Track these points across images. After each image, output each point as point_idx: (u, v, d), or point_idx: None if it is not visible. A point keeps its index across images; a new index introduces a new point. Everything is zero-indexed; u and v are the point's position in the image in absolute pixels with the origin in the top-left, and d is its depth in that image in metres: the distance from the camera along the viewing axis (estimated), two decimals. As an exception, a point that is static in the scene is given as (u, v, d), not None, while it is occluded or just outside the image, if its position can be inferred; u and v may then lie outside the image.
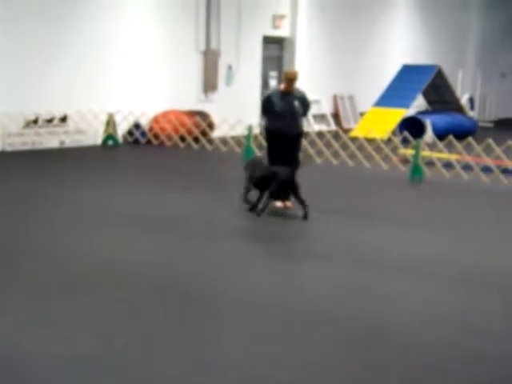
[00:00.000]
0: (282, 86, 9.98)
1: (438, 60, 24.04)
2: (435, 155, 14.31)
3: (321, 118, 22.70)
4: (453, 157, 14.03)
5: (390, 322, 5.79)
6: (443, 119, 20.36)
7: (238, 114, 17.52)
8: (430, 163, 13.83)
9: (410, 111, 21.22)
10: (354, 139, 15.81)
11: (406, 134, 15.22)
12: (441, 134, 17.82)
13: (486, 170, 13.31)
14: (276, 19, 21.02)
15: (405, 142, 15.58)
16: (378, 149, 14.74)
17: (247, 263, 7.42)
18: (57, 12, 15.77)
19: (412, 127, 19.11)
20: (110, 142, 16.62)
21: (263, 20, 20.76)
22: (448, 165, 13.76)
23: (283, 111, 9.83)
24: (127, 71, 17.42)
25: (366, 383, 4.74)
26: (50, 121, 15.77)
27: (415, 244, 8.40)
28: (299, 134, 10.16)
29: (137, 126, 17.08)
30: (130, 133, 17.15)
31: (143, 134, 17.06)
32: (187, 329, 5.51)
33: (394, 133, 18.80)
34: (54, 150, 15.57)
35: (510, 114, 30.55)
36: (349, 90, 23.95)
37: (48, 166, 13.66)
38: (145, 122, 17.24)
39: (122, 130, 16.97)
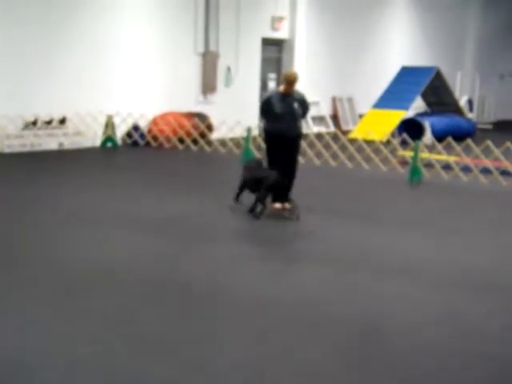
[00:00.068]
0: (282, 88, 9.96)
1: (436, 62, 24.08)
2: (434, 157, 14.32)
3: (320, 119, 22.71)
4: (452, 158, 14.03)
5: (390, 323, 5.80)
6: (442, 121, 20.37)
7: (236, 115, 17.52)
8: (429, 165, 13.84)
9: (409, 113, 21.23)
10: (352, 141, 15.81)
11: (405, 135, 15.22)
12: (440, 136, 17.83)
13: (485, 171, 13.32)
14: (275, 21, 21.04)
15: (404, 143, 15.58)
16: (376, 150, 14.74)
17: (247, 264, 7.42)
18: (56, 15, 15.79)
19: (411, 129, 19.13)
20: (109, 144, 16.62)
21: (262, 22, 20.77)
22: (447, 166, 13.76)
23: (283, 113, 9.82)
24: (126, 73, 17.43)
25: (365, 384, 4.76)
26: (48, 123, 15.77)
27: (415, 245, 8.40)
28: (298, 136, 10.16)
29: (136, 127, 17.09)
30: (128, 135, 17.15)
31: (142, 135, 17.06)
32: (187, 330, 5.51)
33: (392, 134, 18.82)
34: (53, 152, 15.56)
35: (508, 115, 30.57)
36: (348, 91, 23.96)
37: (47, 167, 13.65)
38: (144, 124, 17.25)
39: (120, 131, 16.98)
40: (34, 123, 15.51)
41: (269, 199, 9.91)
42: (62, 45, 15.97)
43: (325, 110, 23.06)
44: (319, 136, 16.42)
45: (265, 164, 10.05)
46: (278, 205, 10.04)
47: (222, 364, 4.94)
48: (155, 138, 16.95)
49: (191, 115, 17.52)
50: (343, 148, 14.92)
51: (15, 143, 15.22)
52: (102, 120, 16.42)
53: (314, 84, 21.06)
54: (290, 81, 9.80)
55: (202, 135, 16.85)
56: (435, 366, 5.00)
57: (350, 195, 11.73)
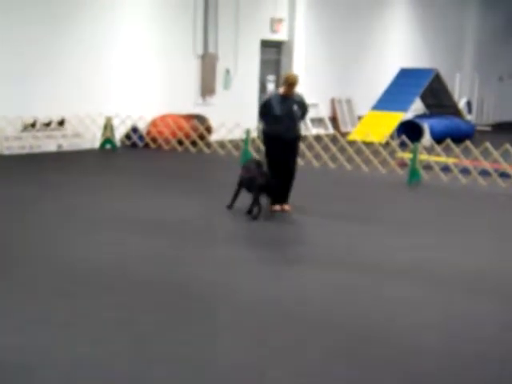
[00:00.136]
0: (282, 90, 9.97)
1: (435, 64, 24.08)
2: (433, 159, 14.33)
3: (319, 121, 22.71)
4: (450, 160, 14.04)
5: (390, 324, 5.80)
6: (441, 123, 20.38)
7: (235, 117, 17.50)
8: (428, 167, 13.84)
9: (408, 115, 21.24)
10: (351, 143, 15.82)
11: (404, 137, 15.23)
12: (438, 138, 17.84)
13: (484, 173, 13.32)
14: (274, 23, 21.04)
15: (402, 145, 15.58)
16: (375, 152, 14.75)
17: (246, 266, 7.42)
18: (55, 17, 15.78)
19: (410, 131, 19.13)
20: (108, 146, 16.61)
21: (261, 24, 20.77)
22: (446, 168, 13.77)
23: (282, 115, 9.83)
24: (125, 75, 17.42)
25: (365, 384, 4.76)
26: (47, 124, 15.76)
27: (415, 247, 8.40)
28: (297, 138, 10.17)
29: (134, 129, 17.08)
30: (127, 136, 17.14)
31: (141, 137, 17.05)
32: (187, 330, 5.51)
33: (391, 136, 18.82)
34: (52, 154, 15.56)
35: (507, 117, 30.57)
36: (347, 93, 23.96)
37: (46, 169, 13.65)
38: (142, 126, 17.24)
39: (119, 133, 16.97)
40: (33, 125, 15.50)
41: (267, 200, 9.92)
42: (61, 47, 15.96)
43: (324, 111, 23.06)
44: (318, 138, 16.42)
45: (263, 164, 10.04)
46: (277, 207, 10.05)
47: (221, 364, 4.95)
48: (154, 140, 16.95)
49: (190, 117, 17.52)
50: (342, 150, 14.92)
51: (14, 145, 15.21)
52: (101, 122, 16.41)
53: (312, 86, 21.06)
54: (291, 83, 9.80)
55: (201, 137, 16.85)
56: (435, 366, 5.01)
57: (349, 197, 11.73)
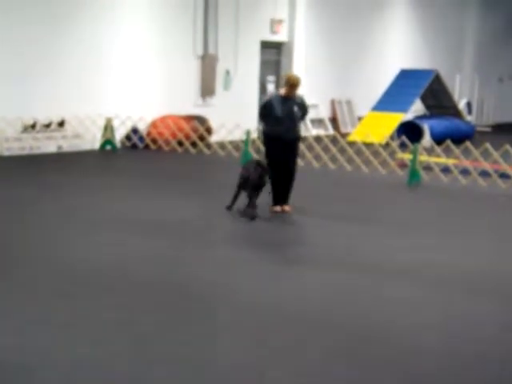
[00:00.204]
0: (283, 91, 9.96)
1: (435, 65, 24.08)
2: (433, 160, 14.33)
3: (319, 122, 22.72)
4: (450, 161, 14.04)
5: (390, 324, 5.80)
6: (441, 124, 20.38)
7: (235, 118, 17.50)
8: (428, 168, 13.84)
9: (408, 116, 21.24)
10: (351, 144, 15.82)
11: (404, 138, 15.22)
12: (438, 139, 17.84)
13: (484, 174, 13.31)
14: (274, 24, 21.05)
15: (403, 146, 15.58)
16: (375, 153, 14.75)
17: (246, 267, 7.42)
18: (55, 17, 15.78)
19: (410, 132, 19.13)
20: (108, 147, 16.61)
21: (261, 25, 20.77)
22: (446, 169, 13.76)
23: (283, 116, 9.83)
24: (125, 76, 17.43)
25: (365, 384, 4.76)
26: (47, 125, 15.76)
27: (415, 248, 8.40)
28: (297, 139, 10.18)
29: (135, 130, 17.08)
30: (127, 137, 17.14)
31: (141, 138, 17.06)
32: (187, 330, 5.52)
33: (391, 137, 18.82)
34: (52, 155, 15.56)
35: (507, 118, 30.57)
36: (347, 94, 23.97)
37: (46, 170, 13.65)
38: (143, 127, 17.24)
39: (119, 134, 16.97)
40: (33, 126, 15.50)
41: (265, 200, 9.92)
42: (61, 48, 15.97)
43: (324, 112, 23.07)
44: (318, 139, 16.42)
45: (262, 164, 10.04)
46: (277, 208, 10.05)
47: (221, 364, 4.95)
48: (154, 141, 16.95)
49: (190, 118, 17.52)
50: (342, 151, 14.92)
51: (14, 146, 15.21)
52: (101, 123, 16.41)
53: (312, 87, 21.05)
54: (292, 84, 9.78)
55: (201, 138, 16.85)
56: (435, 366, 5.01)
57: (349, 198, 11.73)
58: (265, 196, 9.99)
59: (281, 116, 9.82)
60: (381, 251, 8.17)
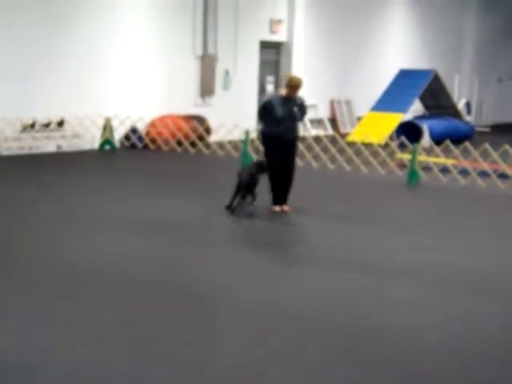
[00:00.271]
0: (284, 92, 9.94)
1: (434, 64, 24.08)
2: (432, 160, 14.32)
3: (318, 122, 22.71)
4: (449, 161, 14.04)
5: (390, 324, 5.81)
6: (440, 124, 20.38)
7: (235, 118, 17.51)
8: (427, 168, 13.84)
9: (407, 116, 21.24)
10: (351, 144, 15.82)
11: (403, 138, 15.22)
12: (438, 139, 17.83)
13: (483, 174, 13.31)
14: (273, 24, 21.05)
15: (402, 146, 15.59)
16: (375, 153, 14.75)
17: (246, 267, 7.43)
18: (55, 17, 15.79)
19: (409, 132, 19.12)
20: (107, 147, 16.61)
21: (260, 25, 20.77)
22: (445, 169, 13.77)
23: (283, 116, 9.82)
24: (124, 76, 17.42)
25: (365, 384, 4.76)
26: (46, 125, 15.76)
27: (415, 248, 8.40)
28: (296, 139, 10.19)
29: (134, 130, 17.08)
30: (126, 137, 17.14)
31: (140, 138, 17.05)
32: (187, 330, 5.52)
33: (391, 137, 18.82)
34: (51, 155, 15.56)
35: (506, 118, 30.57)
36: (346, 94, 23.97)
37: (45, 170, 13.65)
38: (142, 127, 17.24)
39: (119, 134, 16.97)
40: (32, 126, 15.50)
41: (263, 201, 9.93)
42: (61, 48, 15.96)
43: (323, 112, 23.06)
44: (317, 139, 16.43)
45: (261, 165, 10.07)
46: (276, 208, 10.06)
47: (221, 364, 4.95)
48: (153, 141, 16.94)
49: (189, 118, 17.52)
50: (341, 151, 14.92)
51: (13, 146, 15.21)
52: (100, 122, 16.40)
53: (312, 87, 21.02)
54: (294, 85, 9.77)
55: (201, 138, 16.85)
56: (435, 366, 5.01)
57: (349, 198, 11.73)
58: (265, 196, 9.99)
59: (281, 116, 9.81)
60: (380, 251, 8.18)
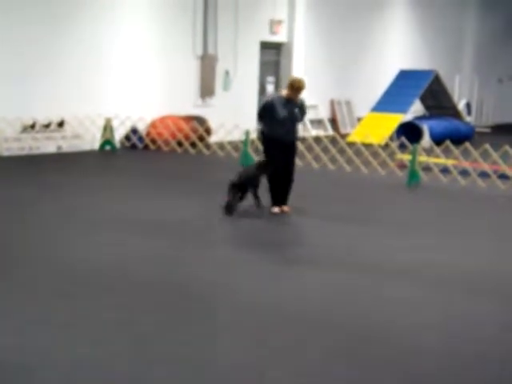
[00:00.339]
0: (286, 93, 9.90)
1: (434, 65, 24.09)
2: (432, 160, 14.33)
3: (318, 123, 22.72)
4: (450, 162, 14.04)
5: (390, 324, 5.80)
6: (440, 124, 20.38)
7: (235, 119, 17.52)
8: (427, 168, 13.84)
9: (408, 116, 21.25)
10: (351, 144, 15.82)
11: (403, 139, 15.23)
12: (438, 139, 17.84)
13: (483, 175, 13.31)
14: (273, 24, 21.05)
15: (402, 147, 15.59)
16: (375, 154, 14.75)
17: (246, 267, 7.42)
18: (55, 17, 15.79)
19: (409, 132, 19.12)
20: (108, 147, 16.62)
21: (261, 25, 20.78)
22: (445, 170, 13.77)
23: (284, 118, 9.81)
24: (124, 76, 17.43)
25: (365, 384, 4.76)
26: (47, 126, 15.76)
27: (415, 248, 8.40)
28: (295, 140, 10.20)
29: (134, 131, 17.08)
30: (127, 138, 17.15)
31: (140, 139, 17.06)
32: (187, 330, 5.52)
33: (391, 138, 18.83)
34: (51, 155, 15.56)
35: (507, 119, 30.59)
36: (346, 95, 23.98)
37: (45, 170, 13.65)
38: (142, 127, 17.24)
39: (119, 134, 16.97)
40: (33, 126, 15.50)
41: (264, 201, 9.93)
42: (61, 48, 15.97)
43: (323, 113, 23.07)
44: (317, 139, 16.43)
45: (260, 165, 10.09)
46: (276, 208, 10.05)
47: (221, 364, 4.95)
48: (153, 141, 16.95)
49: (190, 118, 17.52)
50: (342, 151, 14.92)
51: (13, 146, 15.21)
52: (101, 123, 16.41)
53: (312, 87, 20.96)
54: (299, 87, 9.74)
55: (201, 138, 16.85)
56: (435, 366, 5.01)
57: (349, 198, 11.73)
58: (264, 197, 9.99)
59: (282, 118, 9.79)
60: (381, 251, 8.18)
